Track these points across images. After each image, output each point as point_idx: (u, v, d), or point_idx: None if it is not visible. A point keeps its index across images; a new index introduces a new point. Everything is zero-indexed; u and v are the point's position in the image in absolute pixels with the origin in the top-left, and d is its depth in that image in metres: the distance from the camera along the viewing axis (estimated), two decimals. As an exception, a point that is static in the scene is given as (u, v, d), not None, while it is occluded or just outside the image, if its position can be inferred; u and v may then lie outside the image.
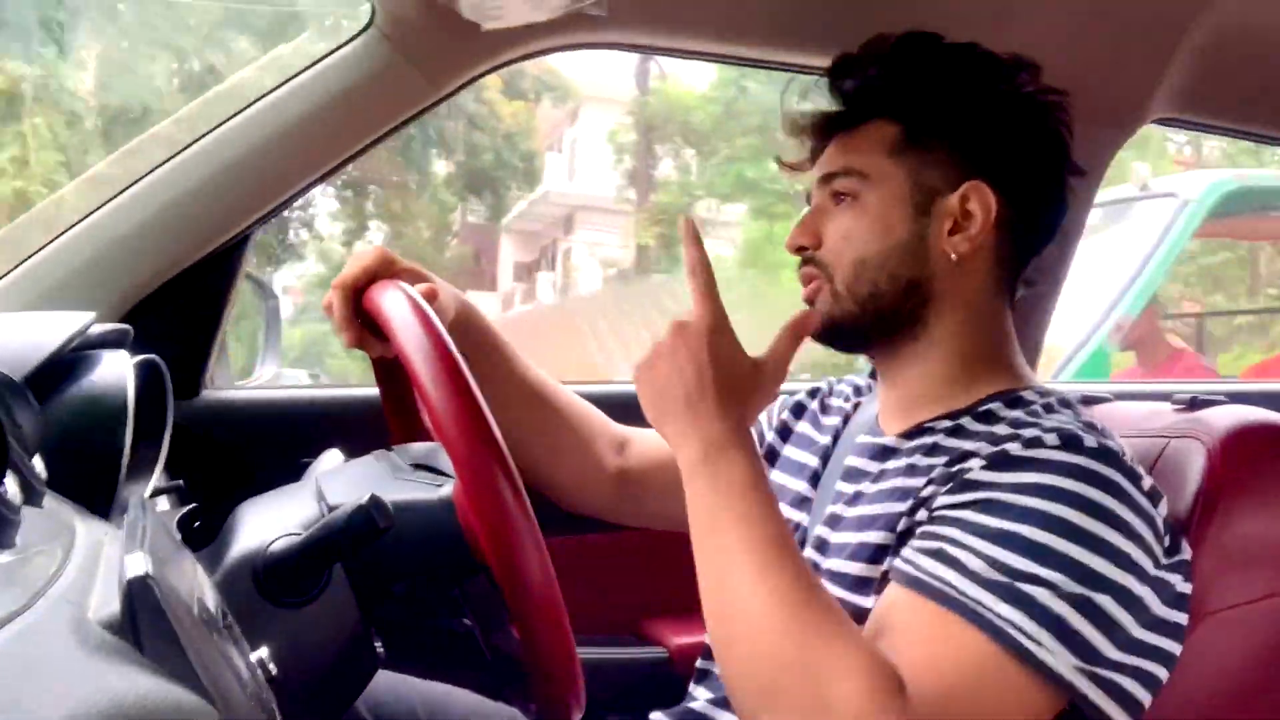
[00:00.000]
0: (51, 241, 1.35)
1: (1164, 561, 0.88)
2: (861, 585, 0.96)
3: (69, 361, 0.97)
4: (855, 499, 1.03)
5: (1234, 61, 1.47)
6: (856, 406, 1.20)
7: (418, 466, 0.95)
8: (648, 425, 1.13)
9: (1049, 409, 0.97)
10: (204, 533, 0.93)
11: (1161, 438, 1.14)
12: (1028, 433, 0.89)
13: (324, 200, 12.46)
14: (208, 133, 1.38)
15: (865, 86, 1.07)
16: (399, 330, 0.89)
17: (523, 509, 0.80)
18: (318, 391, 1.68)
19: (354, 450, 1.04)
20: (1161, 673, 0.87)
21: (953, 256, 1.02)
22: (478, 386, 0.83)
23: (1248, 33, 1.40)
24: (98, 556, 0.58)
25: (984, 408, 1.00)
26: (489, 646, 0.93)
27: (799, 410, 1.26)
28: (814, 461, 1.16)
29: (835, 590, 0.98)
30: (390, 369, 1.12)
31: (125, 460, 0.93)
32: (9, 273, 1.33)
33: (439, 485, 0.90)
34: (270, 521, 0.87)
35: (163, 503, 1.15)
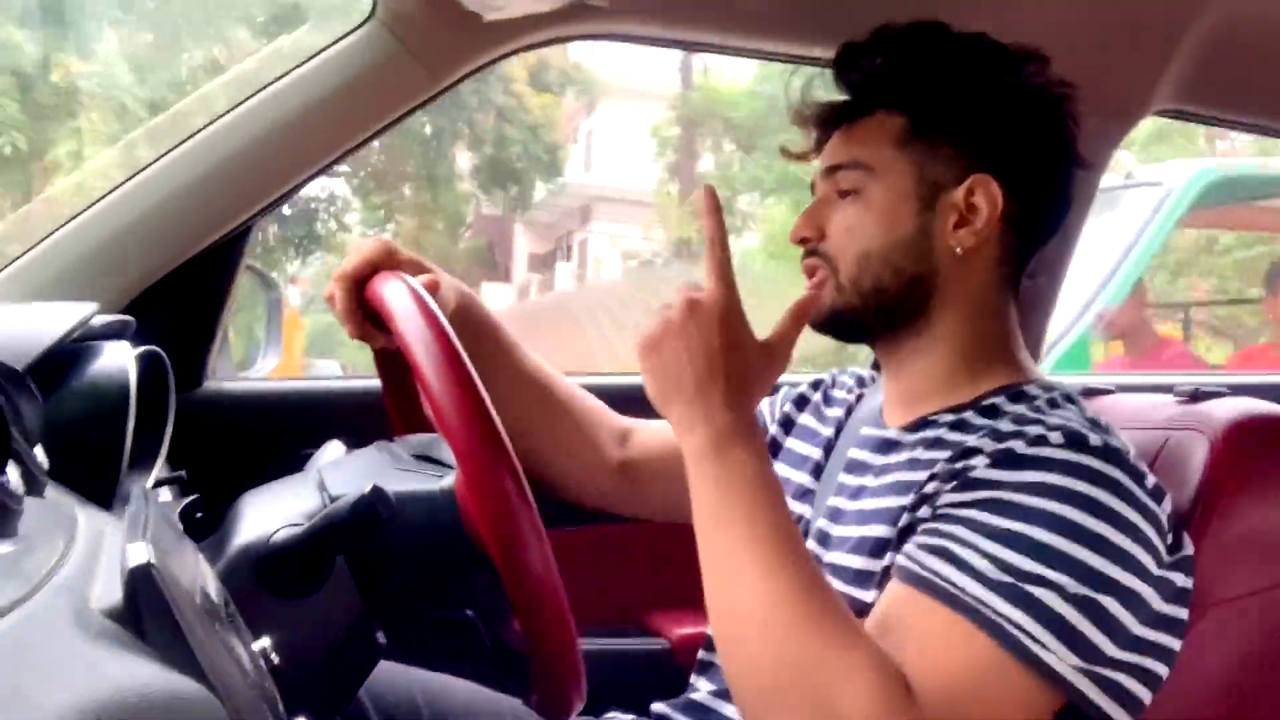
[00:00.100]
0: (54, 233, 1.35)
1: (1167, 560, 0.88)
2: (863, 579, 0.96)
3: (71, 352, 0.97)
4: (857, 493, 1.03)
5: (1237, 53, 1.47)
6: (859, 398, 1.19)
7: (419, 458, 0.95)
8: (651, 416, 1.13)
9: (1053, 404, 0.97)
10: (206, 523, 0.93)
11: (1164, 430, 1.14)
12: (1032, 430, 0.89)
13: (339, 191, 12.55)
14: (208, 124, 1.38)
15: (871, 77, 1.06)
16: (400, 321, 0.89)
17: (524, 500, 0.80)
18: (319, 383, 1.68)
19: (356, 441, 1.04)
20: (1162, 670, 0.87)
21: (957, 251, 1.01)
22: (479, 377, 0.83)
23: (1250, 24, 1.40)
24: (99, 546, 0.59)
25: (987, 401, 1.00)
26: (490, 638, 0.94)
27: (801, 402, 1.25)
28: (816, 453, 1.16)
29: (836, 584, 0.97)
30: (392, 360, 1.12)
31: (127, 451, 0.93)
32: (11, 264, 1.33)
33: (440, 476, 0.90)
34: (272, 512, 0.87)
35: (164, 494, 1.15)
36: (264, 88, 1.38)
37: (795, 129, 1.13)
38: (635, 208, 15.91)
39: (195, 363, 1.49)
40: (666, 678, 1.33)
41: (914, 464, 0.98)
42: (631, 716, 1.18)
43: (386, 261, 1.04)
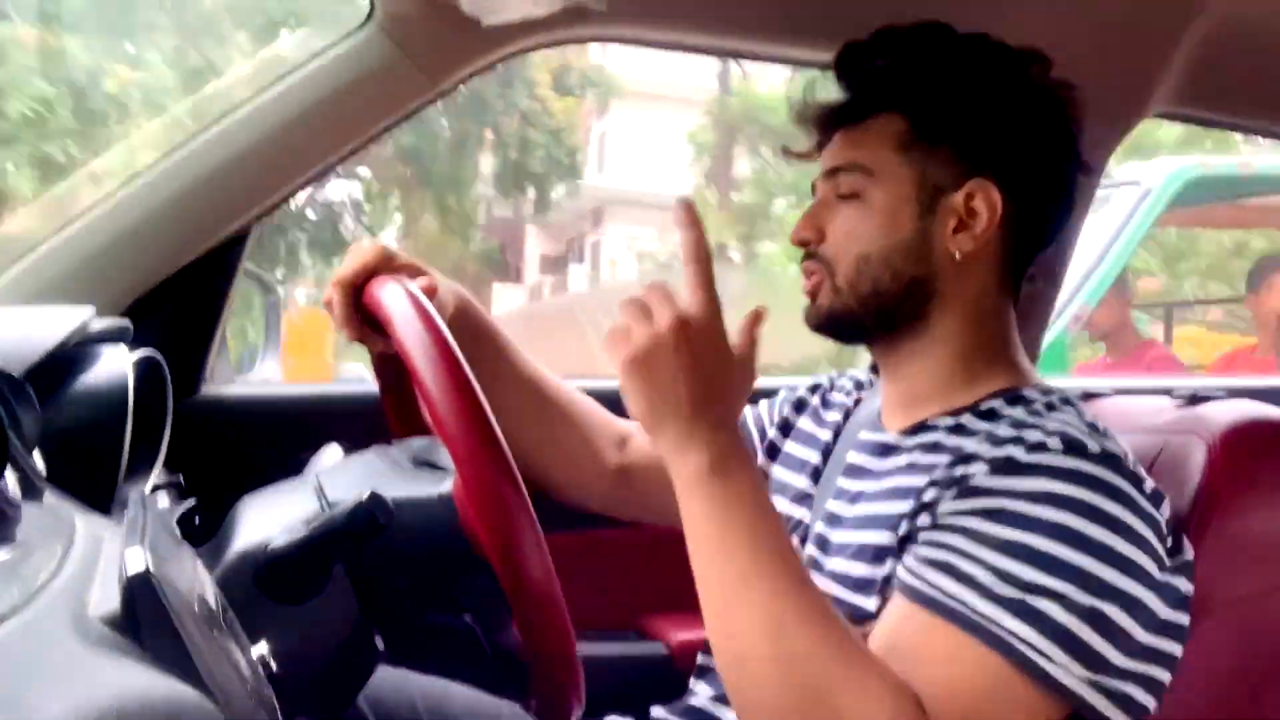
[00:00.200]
0: (52, 237, 1.35)
1: (1168, 564, 0.87)
2: (864, 586, 0.95)
3: (69, 357, 0.97)
4: (856, 498, 1.02)
5: (1234, 56, 1.47)
6: (858, 402, 1.19)
7: (418, 462, 0.95)
8: None
9: (1050, 407, 0.97)
10: (204, 529, 0.93)
11: (1162, 434, 1.14)
12: (1031, 436, 0.89)
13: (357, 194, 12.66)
14: (206, 128, 1.38)
15: (872, 78, 1.06)
16: (398, 326, 0.89)
17: (523, 505, 0.80)
18: (317, 387, 1.68)
19: (354, 446, 1.04)
20: (1165, 676, 0.87)
21: (956, 255, 1.01)
22: (477, 381, 0.83)
23: (1247, 27, 1.40)
24: (98, 552, 0.58)
25: (985, 405, 1.00)
26: (489, 643, 0.93)
27: (800, 405, 1.25)
28: (815, 457, 1.16)
29: (837, 591, 0.97)
30: (390, 364, 1.12)
31: (125, 456, 0.93)
32: (9, 268, 1.33)
33: (439, 481, 0.90)
34: (270, 518, 0.87)
35: (163, 498, 1.15)
36: (261, 91, 1.38)
37: None
38: (649, 210, 15.99)
39: (193, 367, 1.48)
40: (665, 682, 1.33)
41: (912, 468, 0.97)
42: (630, 721, 1.17)
43: (384, 265, 1.04)
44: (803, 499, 1.13)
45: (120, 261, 1.37)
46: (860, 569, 0.96)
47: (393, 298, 0.92)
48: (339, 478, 0.93)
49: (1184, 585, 0.89)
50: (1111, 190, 3.92)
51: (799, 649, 0.80)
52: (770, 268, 11.39)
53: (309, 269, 11.94)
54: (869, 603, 0.94)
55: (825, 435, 1.17)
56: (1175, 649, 0.87)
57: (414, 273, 1.07)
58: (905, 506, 0.93)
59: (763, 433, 1.25)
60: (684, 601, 1.53)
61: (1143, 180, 3.92)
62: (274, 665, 0.76)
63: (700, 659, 1.17)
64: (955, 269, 1.02)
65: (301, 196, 12.33)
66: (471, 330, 1.16)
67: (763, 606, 0.81)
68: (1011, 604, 0.81)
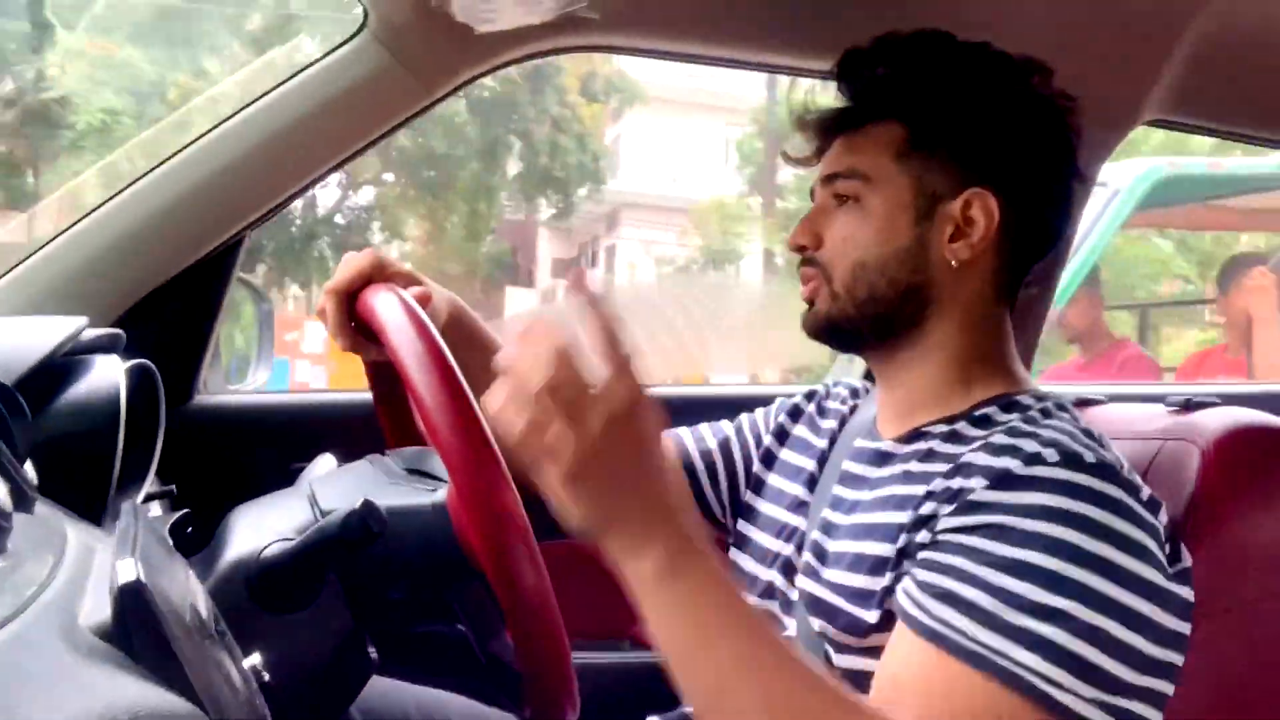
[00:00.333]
0: (44, 246, 1.35)
1: (1170, 572, 0.87)
2: (863, 598, 0.95)
3: (61, 366, 0.96)
4: (852, 507, 1.02)
5: (1227, 64, 1.48)
6: (853, 409, 1.19)
7: (411, 471, 0.95)
8: None
9: (1045, 414, 0.97)
10: (196, 538, 0.93)
11: (1156, 440, 1.14)
12: (1027, 446, 0.88)
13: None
14: (200, 136, 1.38)
15: (872, 85, 1.06)
16: (392, 334, 0.88)
17: (517, 514, 0.80)
18: (310, 396, 1.68)
19: (347, 455, 1.04)
20: (1169, 688, 0.86)
21: (953, 263, 1.01)
22: (471, 389, 0.83)
23: (1241, 35, 1.41)
24: (89, 563, 0.58)
25: (980, 412, 1.00)
26: (483, 652, 0.93)
27: (795, 413, 1.25)
28: (811, 465, 1.15)
29: (836, 601, 0.97)
30: (384, 372, 1.11)
31: (117, 466, 0.93)
32: (1, 277, 1.32)
33: (433, 490, 0.90)
34: (263, 527, 0.86)
35: (155, 508, 1.15)
36: (256, 100, 1.38)
37: None
38: (665, 214, 16.04)
39: (186, 376, 1.48)
40: (659, 690, 1.32)
41: (909, 477, 0.97)
42: (625, 730, 1.17)
43: (378, 274, 1.04)
44: (799, 507, 1.13)
45: (113, 270, 1.37)
46: (859, 580, 0.96)
47: (386, 306, 0.92)
48: (332, 487, 0.93)
49: (1185, 592, 0.89)
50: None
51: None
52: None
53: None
54: (868, 614, 0.94)
55: (821, 443, 1.17)
56: (1178, 659, 0.87)
57: (408, 281, 1.07)
58: (903, 518, 0.93)
59: (759, 440, 1.25)
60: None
61: (1110, 181, 3.93)
62: (267, 675, 0.76)
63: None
64: (952, 276, 1.02)
65: (330, 201, 12.51)
66: (466, 338, 1.16)
67: (755, 693, 0.77)
68: (1016, 632, 0.80)
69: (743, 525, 1.21)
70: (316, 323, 1.86)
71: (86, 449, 0.90)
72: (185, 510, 1.03)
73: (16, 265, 1.33)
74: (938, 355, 1.04)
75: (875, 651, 0.93)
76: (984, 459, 0.89)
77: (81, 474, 0.89)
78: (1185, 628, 0.87)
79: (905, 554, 0.91)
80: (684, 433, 1.30)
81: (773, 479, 1.20)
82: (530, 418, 0.72)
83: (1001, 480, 0.87)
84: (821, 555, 1.02)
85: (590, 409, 0.73)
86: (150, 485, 1.13)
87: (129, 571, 0.49)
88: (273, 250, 11.42)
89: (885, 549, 0.94)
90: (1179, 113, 1.60)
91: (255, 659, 0.75)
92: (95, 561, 0.59)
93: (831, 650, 0.98)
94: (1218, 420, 1.12)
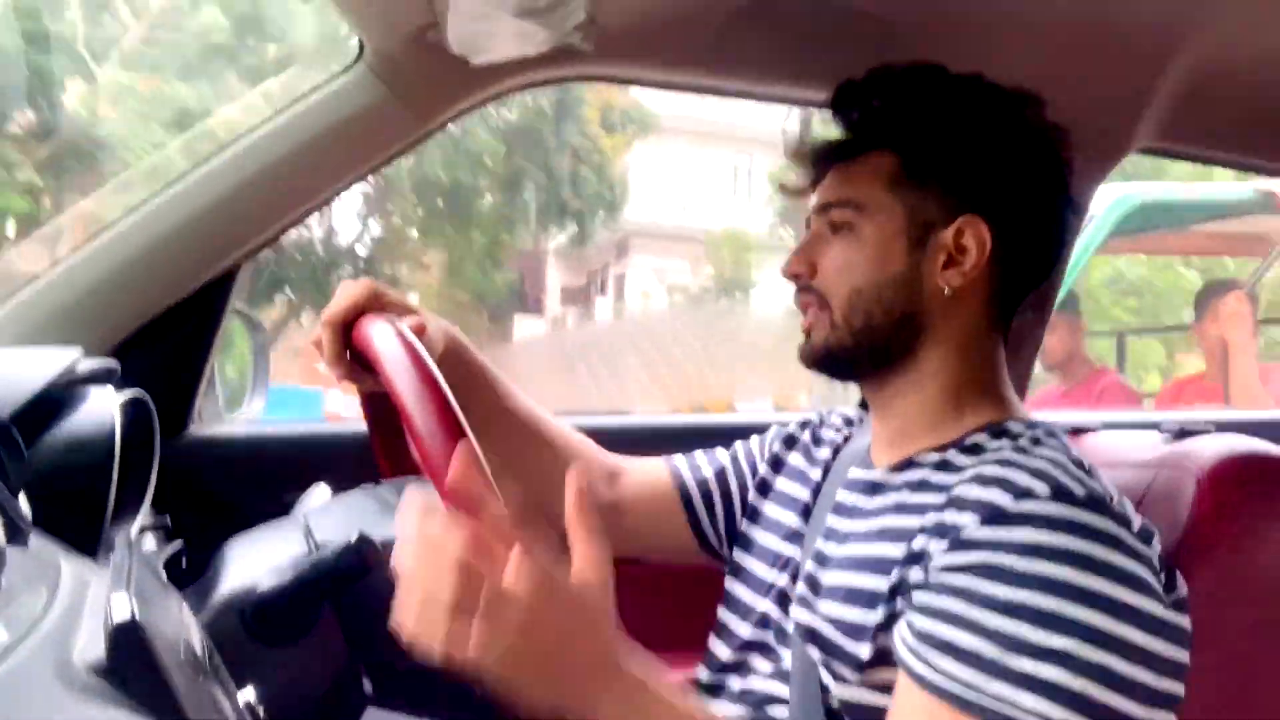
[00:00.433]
0: (39, 277, 1.35)
1: (1166, 602, 0.87)
2: (857, 632, 0.95)
3: (55, 398, 0.96)
4: (845, 538, 1.02)
5: (1216, 92, 1.49)
6: (847, 439, 1.19)
7: None
8: (643, 455, 1.11)
9: (1036, 441, 0.97)
10: (191, 570, 0.93)
11: (1151, 469, 1.14)
12: (1018, 480, 0.88)
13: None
14: (195, 168, 1.38)
15: (866, 117, 1.07)
16: (387, 365, 0.88)
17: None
18: (305, 427, 1.67)
19: (342, 485, 1.04)
20: (1171, 719, 0.86)
21: (946, 290, 1.02)
22: (466, 419, 0.83)
23: (1228, 64, 1.42)
24: (83, 597, 0.58)
25: (970, 440, 1.00)
26: (478, 685, 0.93)
27: (790, 442, 1.25)
28: (805, 495, 1.15)
29: (830, 633, 0.97)
30: (379, 403, 1.11)
31: (112, 498, 0.93)
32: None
33: None
34: (257, 560, 0.86)
35: (150, 540, 1.14)
36: (251, 131, 1.39)
37: None
38: (675, 243, 16.10)
39: (181, 407, 1.48)
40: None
41: (901, 508, 0.97)
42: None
43: (373, 304, 1.04)
44: (794, 537, 1.13)
45: (108, 301, 1.36)
46: (853, 614, 0.96)
47: (381, 337, 0.92)
48: (327, 518, 0.92)
49: (1183, 621, 0.88)
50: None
51: None
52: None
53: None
54: (862, 649, 0.94)
55: (815, 473, 1.17)
56: (1179, 689, 0.86)
57: (403, 311, 1.07)
58: (896, 551, 0.93)
59: (754, 469, 1.25)
60: (675, 640, 1.52)
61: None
62: (261, 709, 0.75)
63: (692, 698, 1.16)
64: (945, 304, 1.03)
65: (354, 232, 12.62)
66: (462, 369, 1.16)
67: None
68: (1019, 677, 0.80)
69: (739, 554, 1.20)
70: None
71: (81, 481, 0.90)
72: (180, 542, 1.02)
73: (11, 296, 1.33)
74: (930, 383, 1.04)
75: (878, 688, 0.93)
76: (975, 493, 0.89)
77: (76, 506, 0.89)
78: (1185, 657, 0.87)
79: (899, 590, 0.91)
80: (680, 461, 1.30)
81: (768, 508, 1.20)
82: (447, 631, 0.71)
83: (993, 517, 0.86)
84: (815, 586, 1.02)
85: (505, 604, 0.71)
86: (145, 517, 1.12)
87: (123, 608, 0.48)
88: (294, 280, 11.45)
89: (878, 582, 0.94)
90: (1169, 140, 1.61)
91: (250, 693, 0.75)
92: (89, 595, 0.59)
93: (831, 680, 0.98)
94: (1212, 448, 1.12)
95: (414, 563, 0.72)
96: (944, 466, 0.98)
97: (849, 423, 1.23)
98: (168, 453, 1.21)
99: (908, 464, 1.02)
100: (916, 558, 0.90)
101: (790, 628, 1.05)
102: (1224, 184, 4.95)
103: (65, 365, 0.98)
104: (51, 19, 9.70)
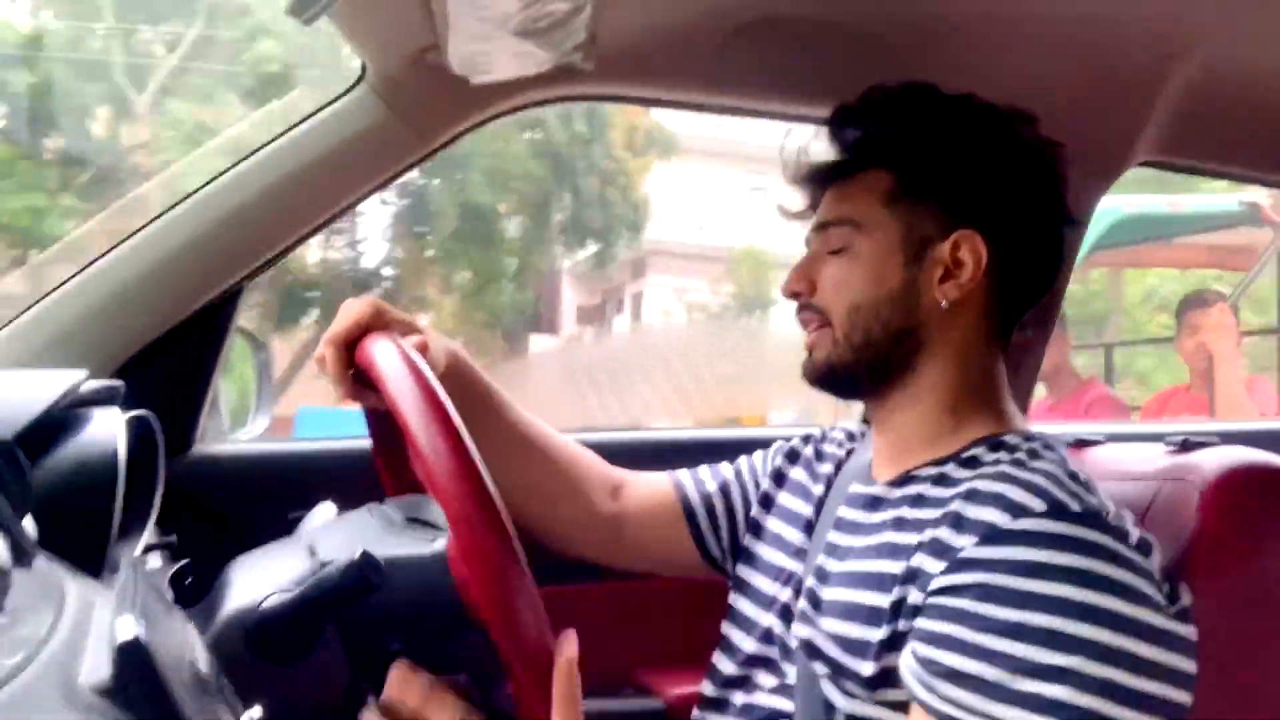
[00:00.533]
0: (43, 299, 1.35)
1: (1169, 612, 0.87)
2: (859, 648, 0.95)
3: (60, 419, 0.97)
4: (845, 554, 1.02)
5: (1215, 105, 1.49)
6: (850, 453, 1.20)
7: (411, 520, 0.94)
8: (646, 469, 1.10)
9: (1033, 455, 0.97)
10: (195, 589, 0.93)
11: (1154, 481, 1.14)
12: (1012, 495, 0.89)
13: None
14: (199, 188, 1.39)
15: (861, 137, 1.09)
16: (390, 383, 0.88)
17: (516, 564, 0.79)
18: (310, 445, 1.67)
19: (347, 504, 1.04)
20: None
21: (943, 304, 1.02)
22: (470, 437, 0.83)
23: (1227, 77, 1.42)
24: (88, 618, 0.58)
25: (968, 453, 1.00)
26: (483, 703, 0.92)
27: (793, 456, 1.26)
28: (808, 510, 1.16)
29: (832, 651, 0.97)
30: (383, 421, 1.11)
31: (117, 518, 0.93)
32: (1, 329, 1.33)
33: (432, 539, 0.89)
34: (262, 578, 0.86)
35: (154, 559, 1.14)
36: (254, 152, 1.39)
37: None
38: (693, 262, 16.15)
39: (185, 426, 1.48)
40: (662, 738, 1.32)
41: (900, 524, 0.97)
42: (627, 779, 1.16)
43: (376, 322, 1.04)
44: (797, 552, 1.13)
45: (112, 321, 1.37)
46: (854, 630, 0.96)
47: (385, 355, 0.92)
48: (331, 537, 0.92)
49: (1187, 631, 0.88)
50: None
51: None
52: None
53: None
54: (864, 666, 0.94)
55: (818, 488, 1.17)
56: (1187, 699, 0.86)
57: (407, 329, 1.07)
58: (896, 568, 0.93)
59: (757, 483, 1.25)
60: (680, 655, 1.53)
61: (1070, 221, 3.97)
62: (266, 729, 0.75)
63: (695, 713, 1.16)
64: (943, 318, 1.03)
65: (381, 254, 12.72)
66: (464, 386, 1.17)
67: None
68: (1026, 699, 0.80)
69: (742, 569, 1.20)
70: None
71: (86, 502, 0.90)
72: (184, 561, 1.02)
73: (16, 317, 1.34)
74: (929, 396, 1.05)
75: (887, 705, 0.93)
76: (972, 510, 0.89)
77: (81, 527, 0.89)
78: (1191, 666, 0.87)
79: (900, 608, 0.91)
80: (683, 475, 1.30)
81: (771, 522, 1.20)
82: None
83: (990, 536, 0.87)
84: (816, 602, 1.02)
85: None
86: (150, 536, 1.12)
87: (128, 629, 0.48)
88: (322, 303, 11.50)
89: (879, 599, 0.94)
90: (1169, 154, 1.61)
91: (255, 712, 0.75)
92: (95, 616, 0.59)
93: (839, 696, 0.98)
94: (1216, 460, 1.12)
95: None
96: (941, 480, 0.98)
97: (851, 437, 1.24)
98: (172, 471, 1.21)
99: (907, 478, 1.02)
100: (914, 575, 0.91)
101: (794, 644, 1.05)
102: (1209, 196, 4.96)
103: (70, 387, 0.99)
104: (91, 49, 9.87)
